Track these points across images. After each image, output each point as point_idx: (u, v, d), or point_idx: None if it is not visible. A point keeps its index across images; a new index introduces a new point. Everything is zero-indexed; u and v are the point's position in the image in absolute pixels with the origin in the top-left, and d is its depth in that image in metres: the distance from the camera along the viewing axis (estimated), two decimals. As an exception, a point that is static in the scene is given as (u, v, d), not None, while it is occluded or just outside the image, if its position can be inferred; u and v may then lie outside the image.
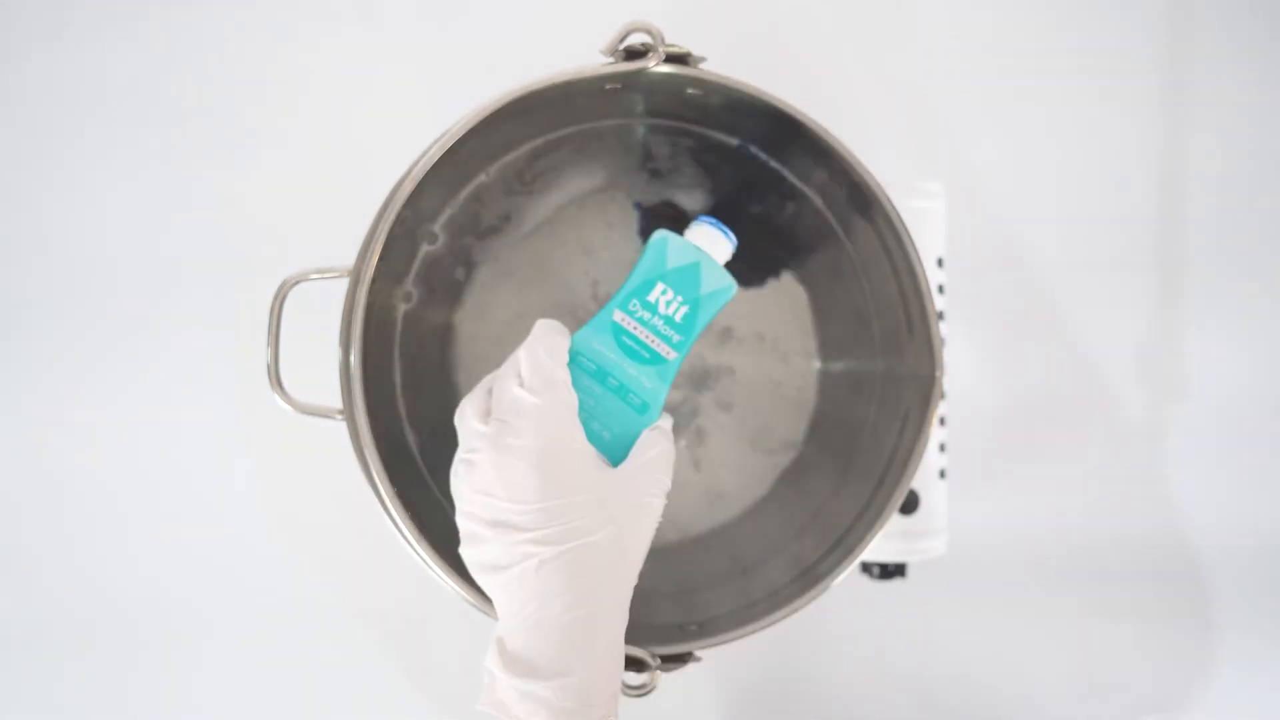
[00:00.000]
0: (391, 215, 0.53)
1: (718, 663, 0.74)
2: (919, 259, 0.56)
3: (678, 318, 0.48)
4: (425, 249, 0.60)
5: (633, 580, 0.45)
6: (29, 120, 0.75)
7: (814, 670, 0.77)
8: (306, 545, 0.75)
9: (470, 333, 0.61)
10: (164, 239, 0.75)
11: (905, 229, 0.57)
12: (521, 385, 0.43)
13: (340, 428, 0.54)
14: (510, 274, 0.62)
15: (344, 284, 0.54)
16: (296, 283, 0.55)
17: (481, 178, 0.60)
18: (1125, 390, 0.82)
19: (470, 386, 0.61)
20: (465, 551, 0.44)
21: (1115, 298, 0.82)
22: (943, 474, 0.68)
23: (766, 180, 0.61)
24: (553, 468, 0.42)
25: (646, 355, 0.47)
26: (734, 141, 0.61)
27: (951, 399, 0.77)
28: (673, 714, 0.75)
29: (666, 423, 0.48)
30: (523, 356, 0.44)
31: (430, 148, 0.53)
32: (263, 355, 0.56)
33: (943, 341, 0.58)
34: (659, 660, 0.52)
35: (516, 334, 0.62)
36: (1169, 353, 0.82)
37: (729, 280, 0.49)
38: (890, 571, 0.69)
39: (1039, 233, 0.82)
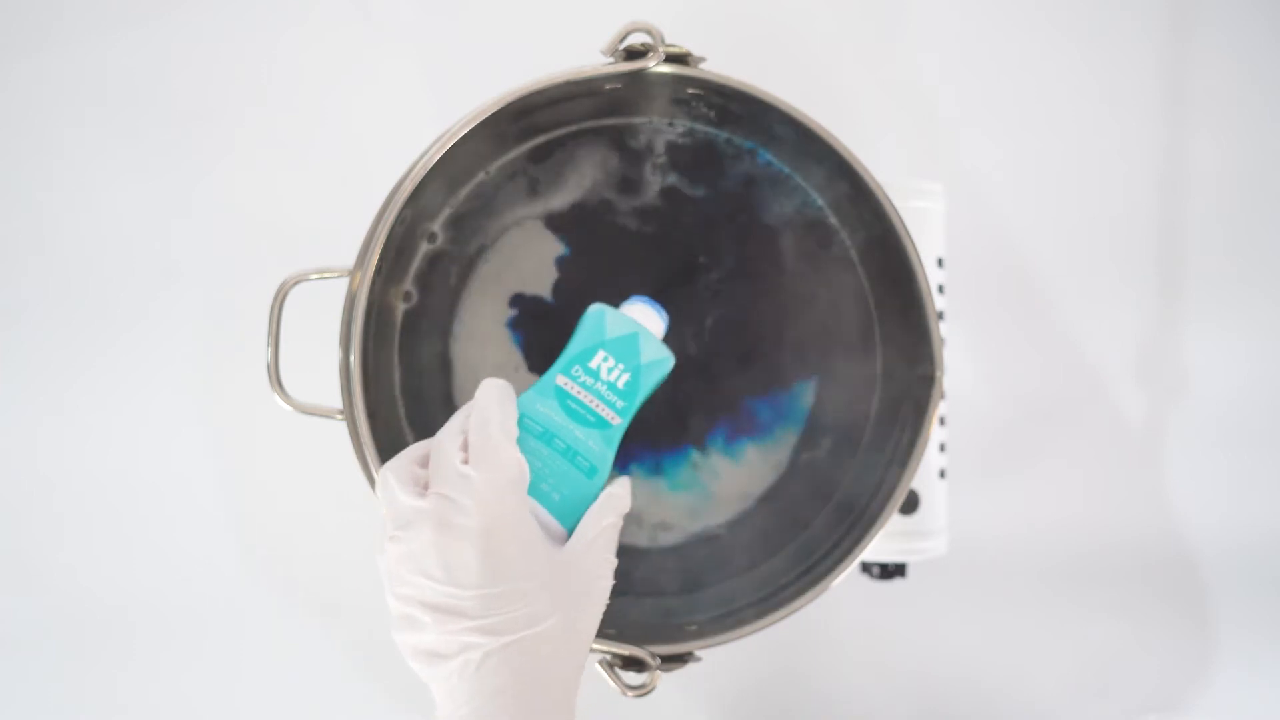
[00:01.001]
0: (391, 215, 0.53)
1: (718, 663, 0.74)
2: (919, 259, 0.56)
3: (620, 384, 0.48)
4: (425, 248, 0.60)
5: (581, 666, 0.42)
6: (29, 120, 0.75)
7: (814, 670, 0.77)
8: (306, 545, 0.75)
9: (469, 333, 0.61)
10: (164, 239, 0.75)
11: (905, 229, 0.57)
12: (466, 460, 0.41)
13: (340, 428, 0.54)
14: (510, 274, 0.62)
15: (344, 284, 0.54)
16: (296, 283, 0.55)
17: (481, 177, 0.60)
18: (1125, 390, 0.82)
19: (470, 387, 0.61)
20: (401, 637, 0.41)
21: (1115, 298, 0.82)
22: (943, 474, 0.68)
23: (768, 179, 0.61)
24: (498, 551, 0.39)
25: (592, 419, 0.47)
26: (737, 141, 0.61)
27: (951, 399, 0.77)
28: (673, 714, 0.75)
29: (620, 487, 0.47)
30: (472, 428, 0.42)
31: (430, 148, 0.53)
32: (263, 355, 0.56)
33: (943, 341, 0.58)
34: (659, 660, 0.51)
35: (523, 333, 0.62)
36: (1169, 353, 0.82)
37: (667, 353, 0.50)
38: (890, 571, 0.69)
39: (1039, 233, 0.82)
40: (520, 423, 0.45)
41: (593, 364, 0.48)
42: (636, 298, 0.52)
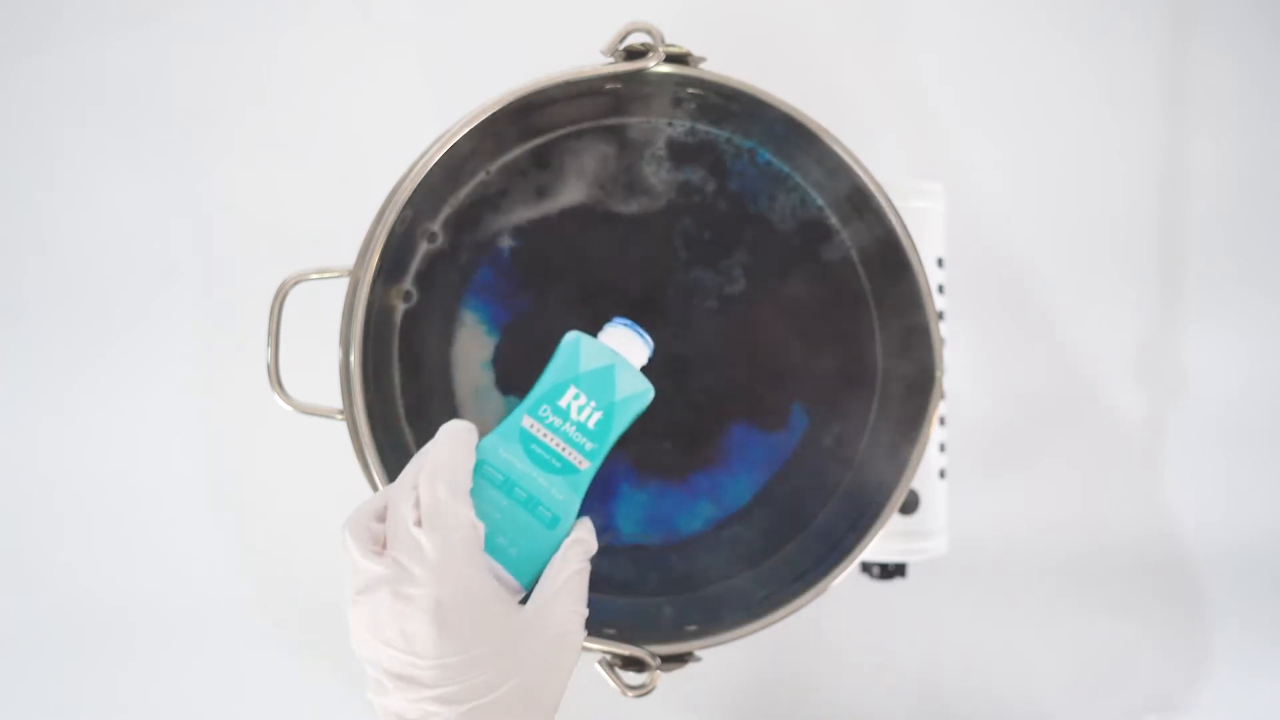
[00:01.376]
0: (392, 215, 0.53)
1: (718, 663, 0.74)
2: (919, 259, 0.57)
3: (590, 424, 0.45)
4: (425, 248, 0.60)
5: None
6: (29, 120, 0.75)
7: (814, 670, 0.77)
8: (306, 545, 0.75)
9: (470, 333, 0.61)
10: (163, 239, 0.75)
11: (905, 229, 0.57)
12: (418, 522, 0.40)
13: (340, 428, 0.54)
14: (508, 273, 0.62)
15: (344, 284, 0.54)
16: (296, 283, 0.55)
17: (482, 177, 0.60)
18: (1125, 390, 0.82)
19: (469, 388, 0.61)
20: (372, 698, 0.41)
21: (1115, 298, 0.82)
22: (943, 474, 0.68)
23: (767, 178, 0.61)
24: (451, 620, 0.39)
25: (557, 465, 0.45)
26: (737, 141, 0.61)
27: (951, 399, 0.77)
28: (673, 714, 0.75)
29: (585, 530, 0.45)
30: (422, 484, 0.41)
31: (430, 148, 0.54)
32: (263, 355, 0.56)
33: (943, 341, 0.58)
34: (659, 660, 0.51)
35: (514, 337, 0.62)
36: (1169, 353, 0.82)
37: (645, 385, 0.47)
38: (890, 571, 0.69)
39: (1039, 233, 0.82)
40: (480, 470, 0.44)
41: (562, 402, 0.45)
42: (619, 321, 0.49)
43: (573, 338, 0.47)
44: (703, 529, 0.62)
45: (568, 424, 0.45)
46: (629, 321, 0.48)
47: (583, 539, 0.45)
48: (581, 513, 0.46)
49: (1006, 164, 0.81)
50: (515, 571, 0.43)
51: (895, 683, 0.77)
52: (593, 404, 0.46)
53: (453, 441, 0.43)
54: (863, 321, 0.62)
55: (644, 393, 0.47)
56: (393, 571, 0.39)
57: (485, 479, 0.44)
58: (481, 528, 0.41)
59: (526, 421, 0.45)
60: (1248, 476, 0.83)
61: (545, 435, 0.45)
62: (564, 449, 0.45)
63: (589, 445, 0.45)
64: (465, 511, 0.41)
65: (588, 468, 0.45)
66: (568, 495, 0.45)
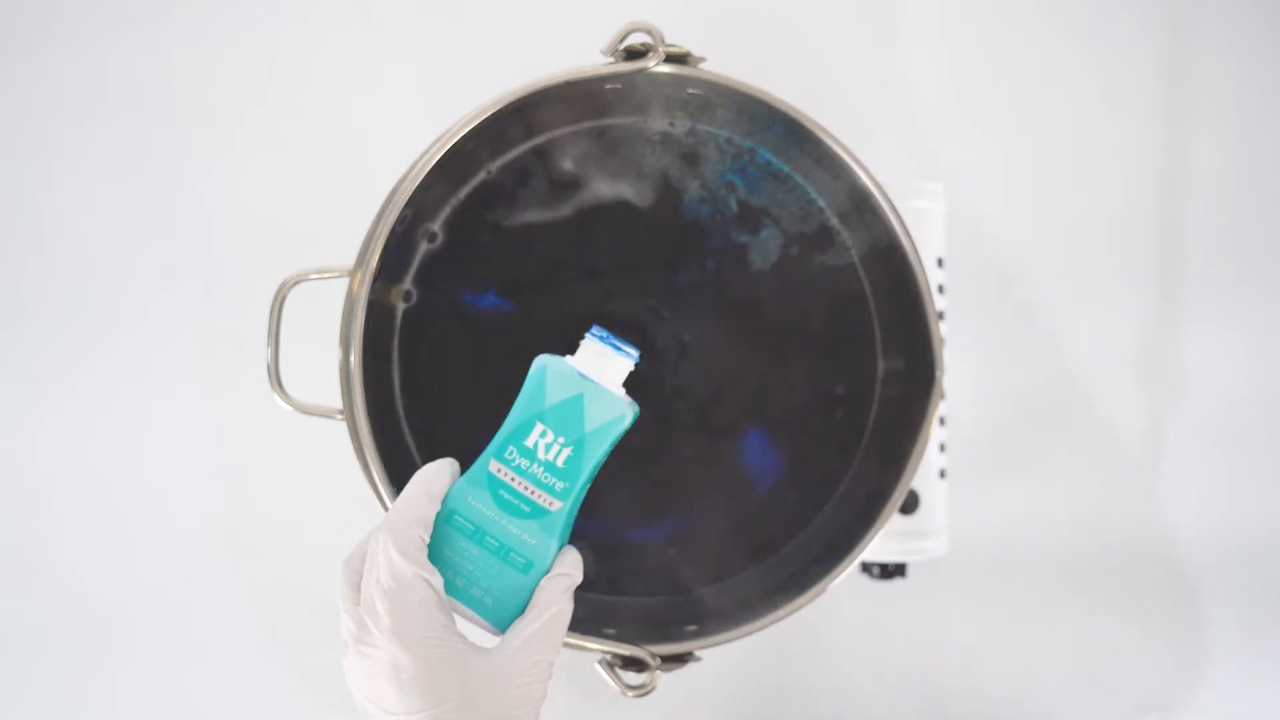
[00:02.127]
0: (392, 215, 0.53)
1: (718, 663, 0.74)
2: (919, 259, 0.57)
3: (559, 462, 0.43)
4: (425, 248, 0.60)
5: None
6: (28, 120, 0.75)
7: (814, 670, 0.77)
8: (306, 545, 0.75)
9: (470, 333, 0.61)
10: (163, 239, 0.75)
11: (905, 229, 0.57)
12: (378, 581, 0.41)
13: (340, 428, 0.54)
14: (510, 273, 0.62)
15: (344, 284, 0.54)
16: (296, 283, 0.55)
17: (483, 175, 0.60)
18: (1125, 390, 0.82)
19: (468, 388, 0.61)
20: None
21: (1115, 298, 0.82)
22: (943, 474, 0.68)
23: (767, 178, 0.61)
24: (408, 680, 0.40)
25: (526, 509, 0.43)
26: (737, 140, 0.61)
27: (951, 399, 0.77)
28: (673, 714, 0.75)
29: (569, 565, 0.44)
30: (379, 553, 0.41)
31: (430, 147, 0.54)
32: (263, 355, 0.56)
33: (943, 341, 0.58)
34: (659, 660, 0.52)
35: (516, 338, 0.62)
36: (1169, 353, 0.82)
37: (620, 409, 0.44)
38: (890, 571, 0.69)
39: (1039, 233, 0.82)
40: (450, 521, 0.43)
41: (529, 442, 0.44)
42: (595, 333, 0.45)
43: (540, 365, 0.45)
44: (703, 529, 0.62)
45: (535, 465, 0.44)
46: (605, 334, 0.45)
47: (566, 574, 0.44)
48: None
49: (1006, 164, 0.82)
50: (493, 619, 0.43)
51: (895, 683, 0.77)
52: (560, 440, 0.44)
53: (412, 494, 0.43)
54: (863, 321, 0.62)
55: (617, 420, 0.44)
56: (359, 630, 0.41)
57: (456, 529, 0.43)
58: (439, 583, 0.41)
59: (493, 466, 0.44)
60: (1248, 476, 0.83)
61: (512, 479, 0.44)
62: (532, 492, 0.44)
63: (559, 485, 0.44)
64: (417, 569, 0.41)
65: (560, 508, 0.44)
66: (540, 539, 0.44)
